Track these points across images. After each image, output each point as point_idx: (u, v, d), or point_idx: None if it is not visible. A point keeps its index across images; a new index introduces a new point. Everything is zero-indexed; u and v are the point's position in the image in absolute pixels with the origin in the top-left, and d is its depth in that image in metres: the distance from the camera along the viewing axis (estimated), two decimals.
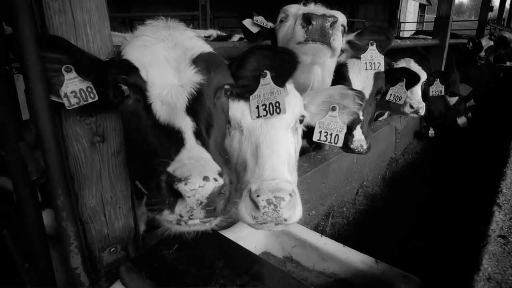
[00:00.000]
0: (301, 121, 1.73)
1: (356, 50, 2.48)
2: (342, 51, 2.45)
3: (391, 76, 2.86)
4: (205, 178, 0.97)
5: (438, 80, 3.69)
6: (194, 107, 1.24)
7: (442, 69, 5.98)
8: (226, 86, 1.41)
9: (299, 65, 1.58)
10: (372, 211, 3.43)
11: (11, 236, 1.69)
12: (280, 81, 1.59)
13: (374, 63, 2.49)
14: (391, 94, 2.92)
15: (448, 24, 5.88)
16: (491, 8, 10.49)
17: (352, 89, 1.80)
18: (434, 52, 5.78)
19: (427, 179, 4.17)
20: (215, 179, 0.99)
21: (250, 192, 1.28)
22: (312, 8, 2.07)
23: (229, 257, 1.34)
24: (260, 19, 2.35)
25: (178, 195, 0.99)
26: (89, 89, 1.32)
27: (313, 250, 1.88)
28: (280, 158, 1.43)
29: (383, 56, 2.50)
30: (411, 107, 3.36)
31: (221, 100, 1.40)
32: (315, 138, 1.88)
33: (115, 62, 1.32)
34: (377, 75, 2.71)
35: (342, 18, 2.11)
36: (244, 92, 1.60)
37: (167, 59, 1.28)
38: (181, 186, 0.96)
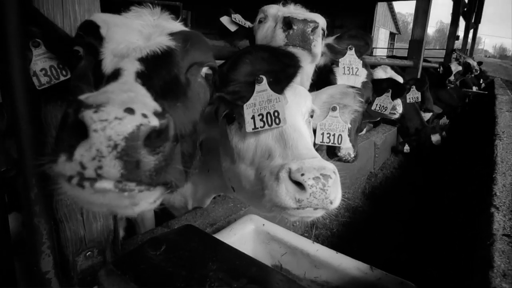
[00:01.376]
0: (311, 116, 1.65)
1: (334, 53, 2.47)
2: (321, 54, 2.45)
3: (378, 86, 2.90)
4: (128, 110, 0.67)
5: (414, 87, 3.78)
6: (153, 63, 0.98)
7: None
8: (206, 70, 1.18)
9: (301, 69, 1.38)
10: (354, 223, 3.39)
11: None
12: (278, 87, 1.38)
13: (352, 68, 2.50)
14: (377, 104, 2.94)
15: (421, 47, 6.17)
16: (457, 37, 11.18)
17: (352, 87, 1.77)
18: (408, 72, 6.02)
19: (405, 194, 4.21)
20: (145, 115, 0.68)
21: (291, 172, 1.12)
22: (292, 9, 2.04)
23: (223, 259, 1.22)
24: (238, 17, 2.28)
25: (85, 135, 0.68)
26: (61, 66, 1.19)
27: (304, 257, 1.79)
28: (307, 141, 1.33)
29: (361, 61, 2.51)
30: None
31: (197, 80, 1.14)
32: (318, 140, 1.79)
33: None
34: (364, 85, 2.73)
35: (322, 22, 2.10)
36: (236, 98, 1.39)
37: (140, 31, 1.07)
38: (87, 114, 0.66)
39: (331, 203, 1.13)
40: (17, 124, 1.09)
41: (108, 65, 0.98)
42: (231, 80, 1.38)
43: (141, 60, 0.97)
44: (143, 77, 0.91)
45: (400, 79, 3.77)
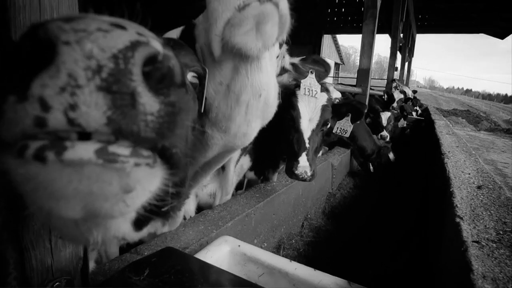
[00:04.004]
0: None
1: (298, 74, 2.63)
2: (286, 70, 2.57)
3: (337, 110, 3.06)
4: (116, 25, 0.46)
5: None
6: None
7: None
8: (192, 79, 1.06)
9: None
10: (319, 243, 3.45)
11: None
12: None
13: (312, 90, 2.68)
14: (337, 127, 3.10)
15: (368, 75, 6.70)
16: (396, 68, 12.34)
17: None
18: (358, 98, 6.47)
19: (362, 212, 4.40)
20: (142, 35, 0.48)
21: None
22: None
23: (213, 281, 1.17)
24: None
25: (49, 58, 0.43)
26: None
27: (283, 276, 1.78)
28: None
29: (320, 86, 2.70)
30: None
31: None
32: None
33: None
34: (324, 107, 2.88)
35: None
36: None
37: None
38: (53, 24, 0.43)
39: None
40: None
41: None
42: None
43: None
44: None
45: (338, 94, 4.03)
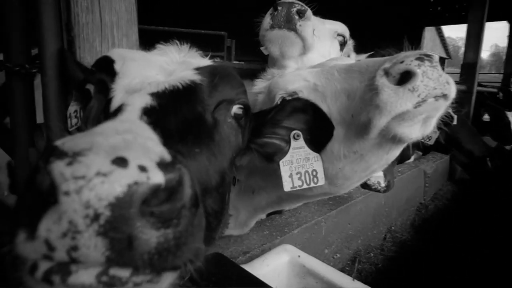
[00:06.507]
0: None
1: None
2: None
3: None
4: (118, 161, 0.48)
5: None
6: (171, 98, 0.82)
7: (471, 115, 5.82)
8: (237, 110, 1.01)
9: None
10: (402, 258, 3.10)
11: None
12: (315, 147, 1.25)
13: None
14: None
15: (475, 71, 5.81)
16: None
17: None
18: (461, 97, 5.65)
19: (458, 228, 3.81)
20: (142, 168, 0.49)
21: (387, 72, 0.96)
22: None
23: None
24: None
25: (53, 201, 0.48)
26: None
27: None
28: None
29: None
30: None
31: (226, 120, 0.97)
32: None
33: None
34: None
35: (341, 28, 2.13)
36: (269, 153, 1.23)
37: (162, 66, 0.94)
38: (57, 167, 0.47)
39: (447, 83, 0.95)
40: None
41: (116, 104, 0.82)
42: (264, 133, 1.23)
43: (155, 95, 0.80)
44: (153, 114, 0.73)
45: None
